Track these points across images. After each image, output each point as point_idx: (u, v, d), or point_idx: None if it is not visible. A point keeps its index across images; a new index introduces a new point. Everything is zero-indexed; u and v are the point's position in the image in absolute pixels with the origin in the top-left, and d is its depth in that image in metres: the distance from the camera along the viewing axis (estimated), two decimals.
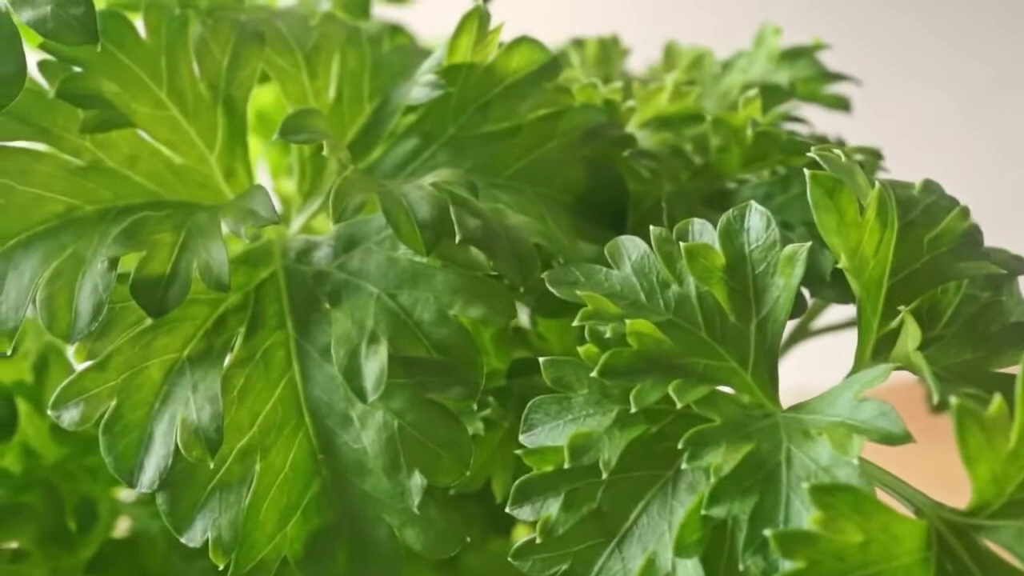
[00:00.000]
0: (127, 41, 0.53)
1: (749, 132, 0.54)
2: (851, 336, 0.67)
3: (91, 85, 0.51)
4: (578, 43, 0.66)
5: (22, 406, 0.60)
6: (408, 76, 0.57)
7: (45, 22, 0.48)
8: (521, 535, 0.66)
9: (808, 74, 0.63)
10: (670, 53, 0.67)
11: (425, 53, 0.58)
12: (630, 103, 0.57)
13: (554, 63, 0.54)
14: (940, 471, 0.59)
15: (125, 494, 0.66)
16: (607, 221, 0.54)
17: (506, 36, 0.55)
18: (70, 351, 0.64)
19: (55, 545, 0.61)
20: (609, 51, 0.66)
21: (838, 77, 0.65)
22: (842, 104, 0.66)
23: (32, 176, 0.50)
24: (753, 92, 0.55)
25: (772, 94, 0.62)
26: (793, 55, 0.64)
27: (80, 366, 0.48)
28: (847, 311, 0.62)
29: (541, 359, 0.46)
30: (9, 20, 0.48)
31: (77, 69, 0.52)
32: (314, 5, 0.67)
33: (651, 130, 0.59)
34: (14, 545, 0.60)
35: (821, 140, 0.62)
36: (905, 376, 0.47)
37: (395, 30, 0.64)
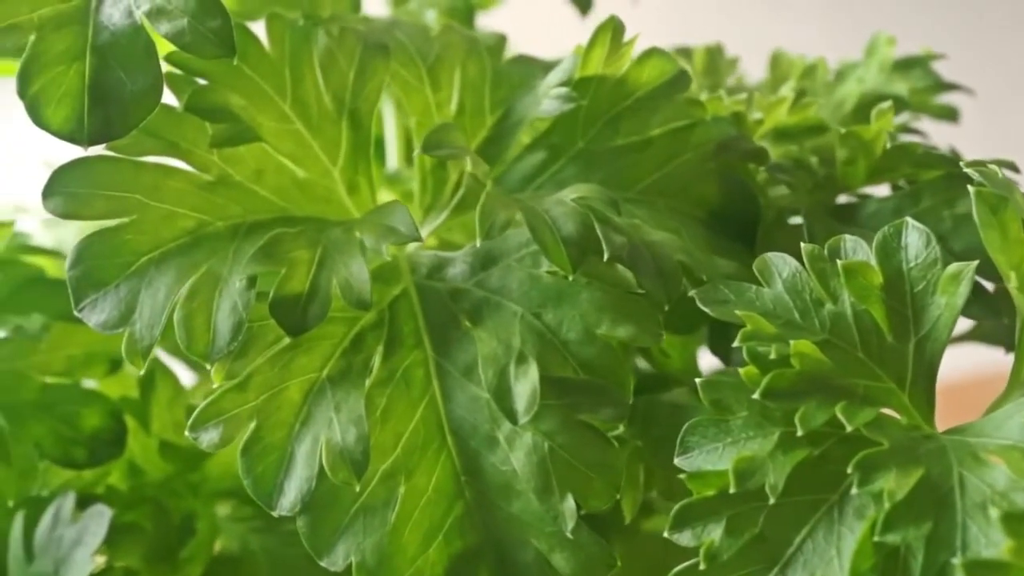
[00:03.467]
0: (251, 53, 0.52)
1: (883, 145, 0.54)
2: None
3: (218, 98, 0.50)
4: (685, 52, 0.65)
5: (128, 422, 0.59)
6: (528, 87, 0.56)
7: (183, 35, 0.47)
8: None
9: (923, 84, 0.62)
10: (777, 62, 0.66)
11: (543, 64, 0.57)
12: (757, 115, 0.56)
13: (684, 75, 0.53)
14: None
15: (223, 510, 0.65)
16: (737, 235, 0.53)
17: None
18: (169, 364, 0.63)
19: (163, 563, 0.60)
20: (716, 60, 0.65)
21: (952, 87, 0.64)
22: (951, 114, 0.65)
23: (164, 192, 0.49)
24: (886, 105, 0.54)
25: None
26: (906, 65, 0.63)
27: (219, 386, 0.47)
28: None
29: (698, 380, 0.45)
30: (145, 34, 0.47)
31: (202, 82, 0.51)
32: (418, 15, 0.66)
33: (770, 141, 0.58)
34: (123, 564, 0.59)
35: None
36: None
37: None
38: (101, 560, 0.57)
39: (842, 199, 0.59)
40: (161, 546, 0.60)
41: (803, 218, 0.52)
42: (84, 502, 0.58)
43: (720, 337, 0.54)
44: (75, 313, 0.48)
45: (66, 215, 0.48)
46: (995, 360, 0.64)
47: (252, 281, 0.47)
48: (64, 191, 0.48)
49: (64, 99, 0.46)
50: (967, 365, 0.80)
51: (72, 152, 0.48)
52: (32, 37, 0.46)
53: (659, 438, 0.53)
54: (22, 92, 0.46)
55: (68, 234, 0.76)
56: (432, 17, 0.65)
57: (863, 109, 0.61)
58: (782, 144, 0.58)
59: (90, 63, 0.46)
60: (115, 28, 0.47)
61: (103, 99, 0.46)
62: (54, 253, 0.64)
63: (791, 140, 0.58)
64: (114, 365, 0.60)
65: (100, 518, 0.56)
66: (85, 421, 0.57)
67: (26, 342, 0.58)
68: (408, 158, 0.69)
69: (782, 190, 0.59)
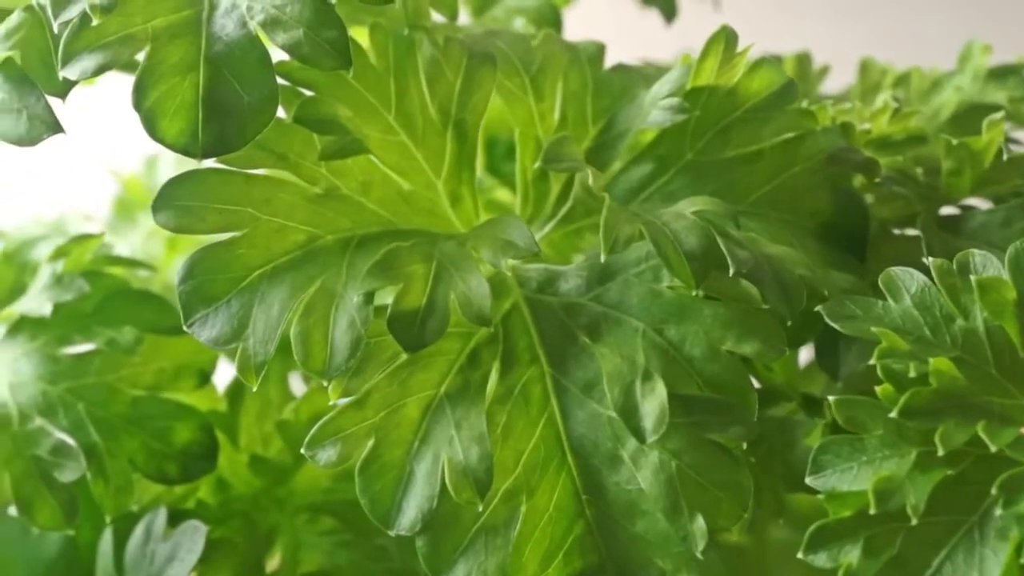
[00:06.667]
0: (356, 63, 0.51)
1: (993, 156, 0.53)
2: None
3: (326, 110, 0.50)
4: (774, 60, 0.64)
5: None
6: (630, 97, 0.55)
7: (300, 46, 0.46)
8: None
9: (1020, 94, 0.61)
10: (867, 70, 0.65)
11: (643, 73, 0.57)
12: (864, 125, 0.55)
13: (793, 85, 0.52)
14: None
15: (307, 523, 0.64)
16: (848, 248, 0.53)
17: None
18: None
19: None
20: (806, 69, 0.65)
21: None
22: None
23: (275, 205, 0.48)
24: (998, 115, 0.53)
25: (984, 114, 0.60)
26: (1002, 74, 0.62)
27: (335, 403, 0.46)
28: None
29: (831, 398, 0.44)
30: (260, 44, 0.46)
31: (308, 93, 0.50)
32: (505, 22, 0.65)
33: (871, 151, 0.57)
34: None
35: None
36: None
37: None
38: None
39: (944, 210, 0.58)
40: (251, 561, 0.60)
41: (920, 231, 0.52)
42: (174, 517, 0.57)
43: (829, 351, 0.53)
44: (184, 328, 0.47)
45: (178, 229, 0.47)
46: None
47: (370, 297, 0.46)
48: (176, 204, 0.47)
49: (179, 111, 0.45)
50: None
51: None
52: (147, 48, 0.45)
53: (769, 454, 0.52)
54: (137, 104, 0.45)
55: (139, 241, 0.76)
56: (520, 24, 0.64)
57: (960, 118, 0.61)
58: (883, 154, 0.57)
59: (204, 74, 0.46)
60: (229, 39, 0.46)
61: (218, 112, 0.45)
62: (134, 263, 0.63)
63: (892, 150, 0.57)
64: (203, 378, 0.59)
65: (195, 534, 0.55)
66: (177, 435, 0.56)
67: (117, 355, 0.57)
68: (491, 167, 0.68)
69: (870, 198, 0.58)
